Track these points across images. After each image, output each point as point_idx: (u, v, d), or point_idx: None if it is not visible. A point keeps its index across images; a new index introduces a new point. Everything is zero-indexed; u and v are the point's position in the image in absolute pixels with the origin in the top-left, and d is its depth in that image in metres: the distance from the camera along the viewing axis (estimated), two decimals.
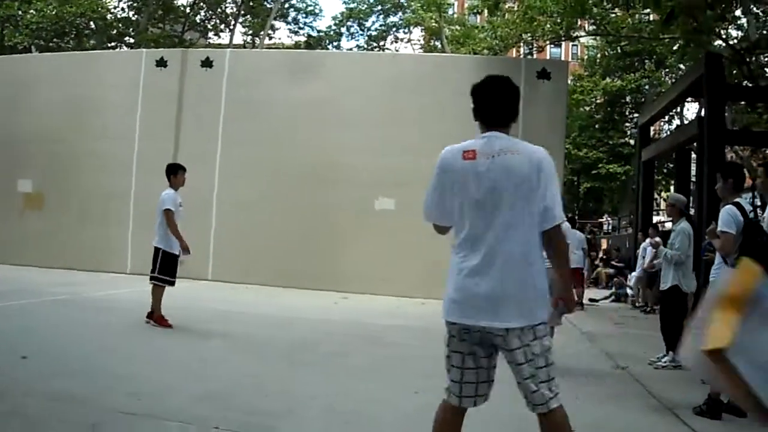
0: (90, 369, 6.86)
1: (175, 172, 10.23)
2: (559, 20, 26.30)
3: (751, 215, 6.31)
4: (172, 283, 10.05)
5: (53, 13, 29.58)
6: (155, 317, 9.82)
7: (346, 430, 5.52)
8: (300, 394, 6.39)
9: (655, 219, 21.31)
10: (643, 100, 36.79)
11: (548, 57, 40.37)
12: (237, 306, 12.97)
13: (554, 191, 3.66)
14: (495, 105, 3.82)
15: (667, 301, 9.15)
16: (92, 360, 7.33)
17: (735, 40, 23.71)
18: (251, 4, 38.69)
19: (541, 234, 3.66)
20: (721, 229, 6.30)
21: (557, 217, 3.65)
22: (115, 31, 35.78)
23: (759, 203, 6.50)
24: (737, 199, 6.48)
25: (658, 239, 9.13)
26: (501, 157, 3.65)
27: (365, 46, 44.36)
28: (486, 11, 23.95)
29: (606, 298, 19.47)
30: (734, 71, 22.11)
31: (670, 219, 10.10)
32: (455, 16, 45.95)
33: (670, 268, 9.04)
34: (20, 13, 30.84)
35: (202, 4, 39.21)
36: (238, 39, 41.75)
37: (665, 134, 35.57)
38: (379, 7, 44.08)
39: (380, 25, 45.07)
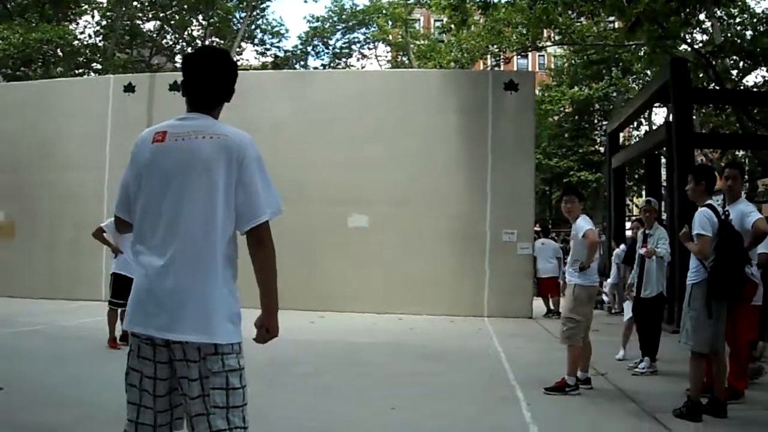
0: (67, 398, 6.78)
1: None
2: (524, 31, 26.43)
3: (723, 216, 6.37)
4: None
5: (19, 40, 29.28)
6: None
7: None
8: (275, 415, 6.34)
9: (628, 225, 21.31)
10: (611, 107, 36.98)
11: (515, 68, 40.63)
12: None
13: (259, 183, 3.05)
14: (205, 83, 3.31)
15: (653, 308, 9.25)
16: (69, 389, 7.25)
17: (700, 44, 23.96)
18: (218, 26, 38.59)
19: (247, 235, 3.06)
20: (697, 231, 6.31)
21: (260, 215, 3.02)
22: (82, 58, 35.57)
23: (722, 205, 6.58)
24: (709, 201, 6.53)
25: (652, 248, 9.12)
26: (189, 140, 3.10)
27: (330, 63, 44.34)
28: (453, 27, 23.99)
29: None
30: (700, 75, 22.36)
31: (641, 225, 10.07)
32: (422, 30, 46.01)
33: (653, 274, 9.12)
34: None
35: (168, 28, 39.08)
36: None
37: (634, 140, 35.80)
38: (342, 25, 44.03)
39: (344, 43, 45.07)
